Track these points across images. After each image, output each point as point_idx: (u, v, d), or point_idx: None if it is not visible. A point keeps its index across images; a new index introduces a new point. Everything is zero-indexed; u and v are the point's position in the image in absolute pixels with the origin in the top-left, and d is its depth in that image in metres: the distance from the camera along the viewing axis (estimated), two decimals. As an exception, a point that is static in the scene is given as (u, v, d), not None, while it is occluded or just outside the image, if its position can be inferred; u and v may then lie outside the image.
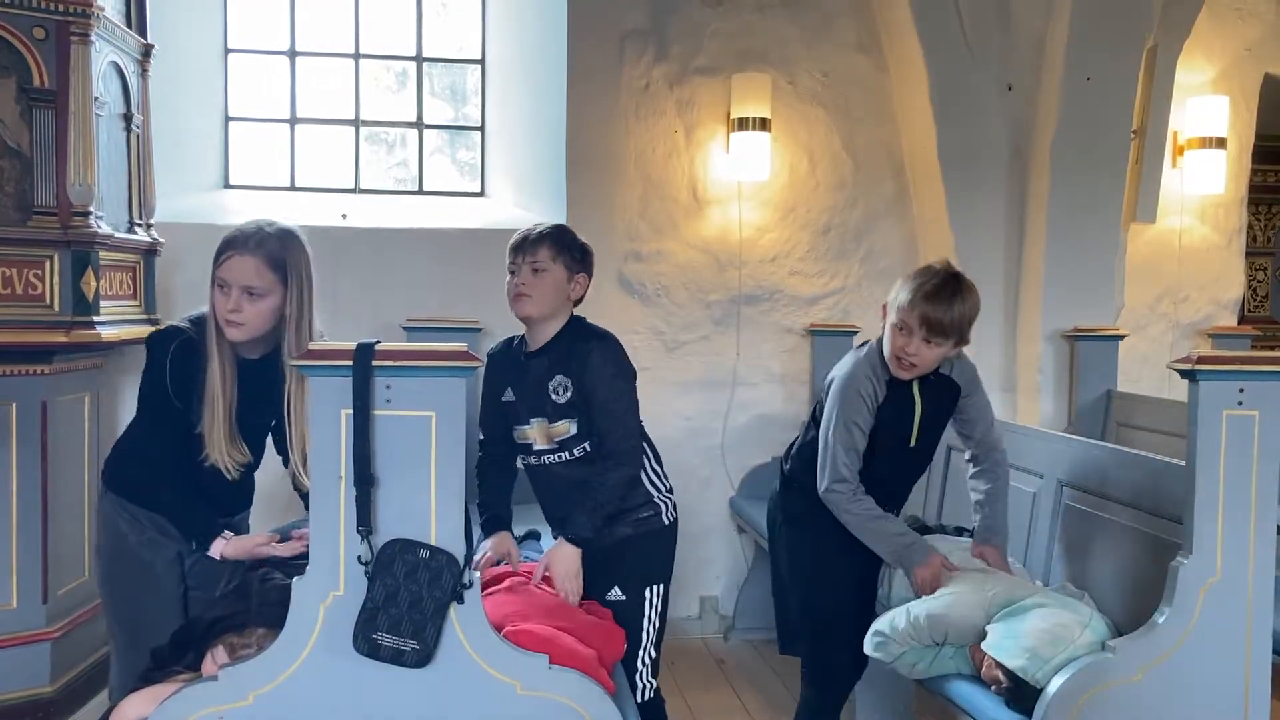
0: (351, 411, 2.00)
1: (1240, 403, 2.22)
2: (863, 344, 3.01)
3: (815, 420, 3.01)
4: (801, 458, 3.02)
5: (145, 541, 2.62)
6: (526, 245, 2.78)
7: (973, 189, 4.69)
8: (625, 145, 4.78)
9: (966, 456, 3.02)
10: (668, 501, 2.88)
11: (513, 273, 2.79)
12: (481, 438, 2.92)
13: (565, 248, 2.78)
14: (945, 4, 4.58)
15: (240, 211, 4.78)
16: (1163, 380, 5.13)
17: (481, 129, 5.27)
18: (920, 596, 2.77)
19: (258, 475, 2.84)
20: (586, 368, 2.72)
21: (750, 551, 4.79)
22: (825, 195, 4.91)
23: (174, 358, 2.52)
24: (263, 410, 2.68)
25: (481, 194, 5.24)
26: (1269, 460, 2.22)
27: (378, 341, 2.04)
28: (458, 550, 2.03)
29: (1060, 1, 4.44)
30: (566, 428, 2.77)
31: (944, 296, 2.75)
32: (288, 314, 2.55)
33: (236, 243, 2.52)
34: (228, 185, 5.01)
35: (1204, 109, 5.04)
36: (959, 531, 3.12)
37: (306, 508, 2.59)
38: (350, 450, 2.00)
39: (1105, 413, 4.60)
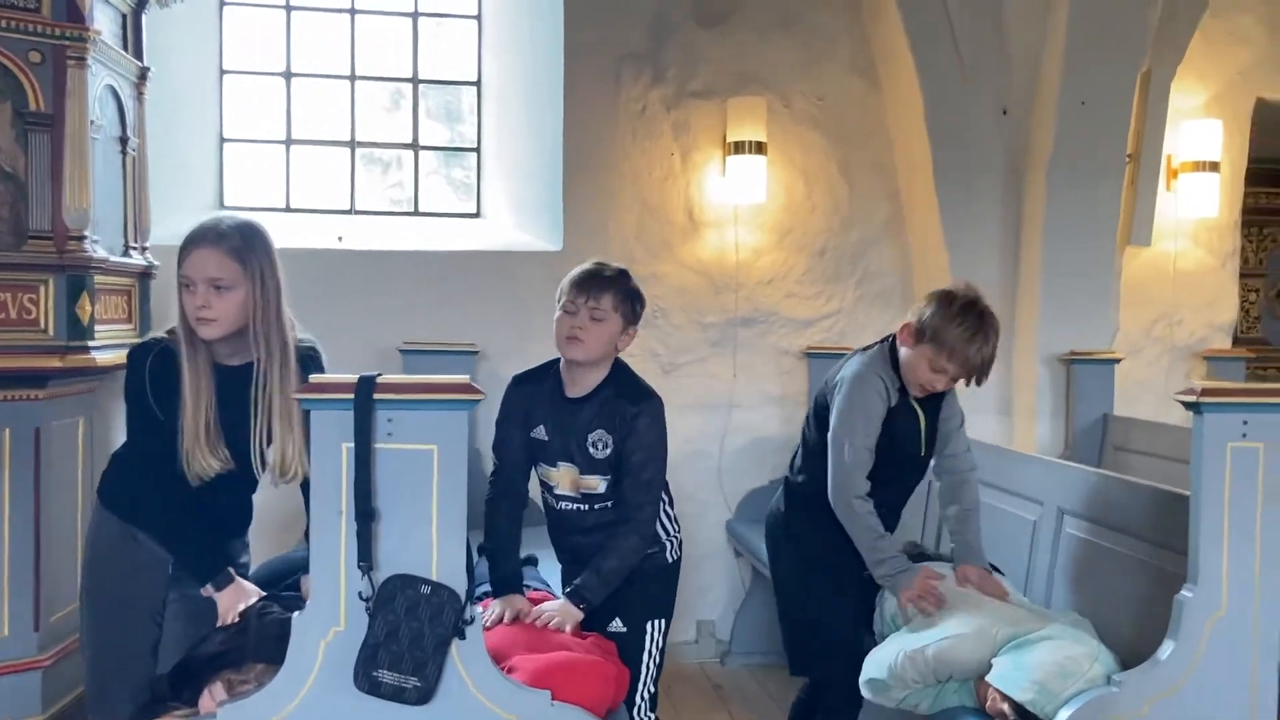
0: (352, 445, 1.99)
1: (1245, 435, 2.21)
2: (867, 347, 3.02)
3: (813, 428, 3.03)
4: (810, 471, 3.01)
5: (129, 564, 2.57)
6: (592, 287, 2.69)
7: (968, 211, 4.69)
8: (622, 168, 4.78)
9: (935, 469, 3.07)
10: (675, 540, 2.88)
11: (569, 312, 2.70)
12: (495, 467, 2.82)
13: (627, 299, 2.74)
14: (940, 27, 4.59)
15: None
16: (1159, 403, 5.13)
17: (477, 150, 5.26)
18: (907, 619, 2.78)
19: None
20: (632, 431, 2.68)
21: (748, 575, 4.77)
22: (821, 218, 4.91)
23: (153, 367, 2.49)
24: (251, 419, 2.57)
25: (477, 215, 5.23)
26: (1274, 492, 2.21)
27: (379, 374, 2.02)
28: (459, 585, 2.02)
29: (1055, 25, 4.46)
30: (596, 483, 2.73)
31: (983, 340, 2.81)
32: (253, 305, 2.49)
33: (196, 239, 2.48)
34: (222, 207, 4.98)
35: (1197, 132, 5.06)
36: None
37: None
38: (351, 484, 1.99)
39: (1102, 436, 4.59)
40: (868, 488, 2.85)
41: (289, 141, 5.11)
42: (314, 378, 2.05)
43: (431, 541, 2.01)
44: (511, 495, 2.81)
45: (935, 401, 2.97)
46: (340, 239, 4.79)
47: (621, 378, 2.78)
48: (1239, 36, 5.21)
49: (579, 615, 2.59)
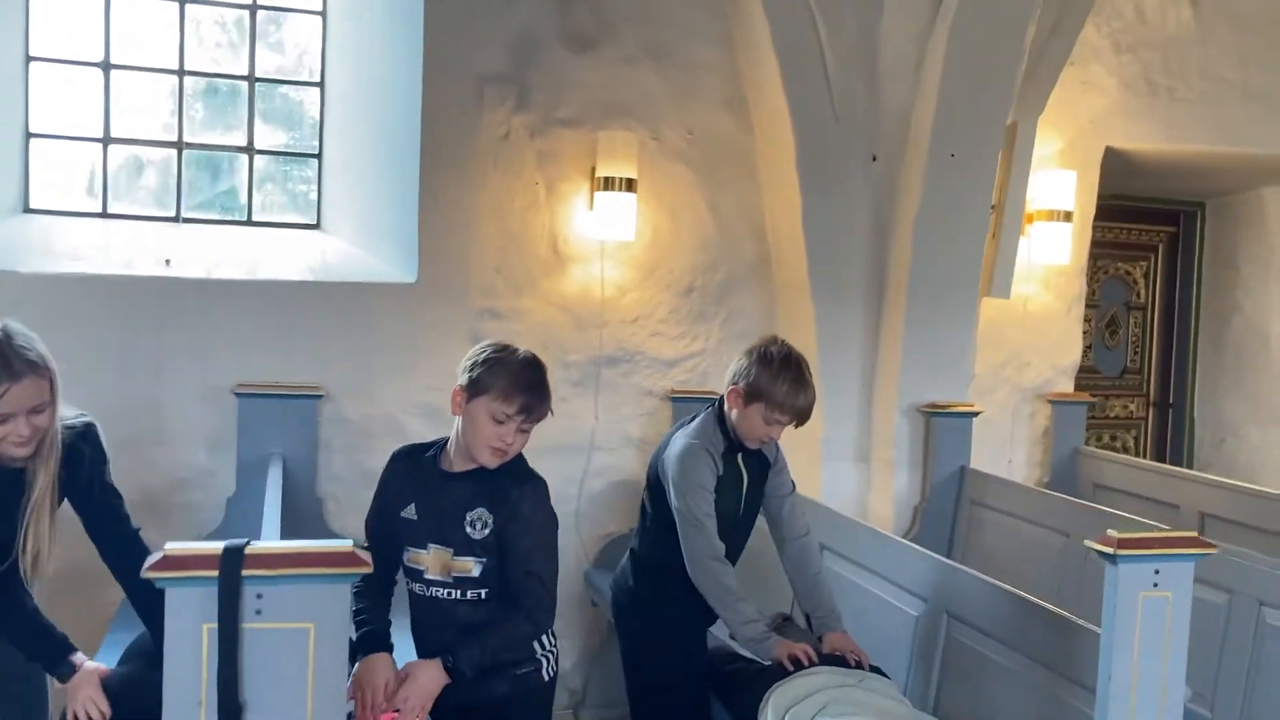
0: (216, 626, 1.71)
1: (1155, 584, 2.18)
2: (689, 419, 3.13)
3: (648, 502, 3.12)
4: (650, 544, 3.09)
5: None
6: (539, 411, 2.54)
7: (835, 257, 4.62)
8: (481, 195, 4.50)
9: (775, 539, 3.20)
10: (552, 655, 2.69)
11: (498, 421, 2.49)
12: (366, 545, 2.60)
13: None
14: (814, 69, 4.47)
15: (43, 244, 4.28)
16: (1004, 443, 5.24)
17: (319, 157, 4.89)
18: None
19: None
20: (516, 515, 2.50)
21: (604, 626, 4.62)
22: (688, 256, 4.75)
23: None
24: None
25: (317, 226, 4.87)
26: (1179, 643, 2.20)
27: (246, 542, 1.75)
28: (336, 781, 1.78)
29: (928, 78, 4.41)
30: (469, 566, 2.52)
31: (806, 386, 2.97)
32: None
33: (4, 375, 2.37)
34: (28, 209, 4.46)
35: (1052, 182, 5.14)
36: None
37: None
38: (213, 673, 1.71)
39: (958, 490, 4.63)
40: (723, 548, 2.95)
41: (106, 140, 4.61)
42: (170, 549, 1.74)
43: (306, 732, 1.76)
44: (382, 580, 2.63)
45: (760, 462, 3.11)
46: (168, 262, 4.34)
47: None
48: (1092, 86, 5.32)
49: (442, 679, 2.42)
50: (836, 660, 2.96)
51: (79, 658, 2.51)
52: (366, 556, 1.78)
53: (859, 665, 2.96)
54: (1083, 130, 5.33)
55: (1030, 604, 2.65)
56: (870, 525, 3.53)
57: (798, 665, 2.90)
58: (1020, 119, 4.76)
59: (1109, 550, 2.15)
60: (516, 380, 2.50)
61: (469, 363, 2.56)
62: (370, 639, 2.54)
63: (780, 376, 2.93)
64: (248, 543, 1.74)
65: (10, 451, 2.42)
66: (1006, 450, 5.23)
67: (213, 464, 4.14)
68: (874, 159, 4.62)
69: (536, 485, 2.57)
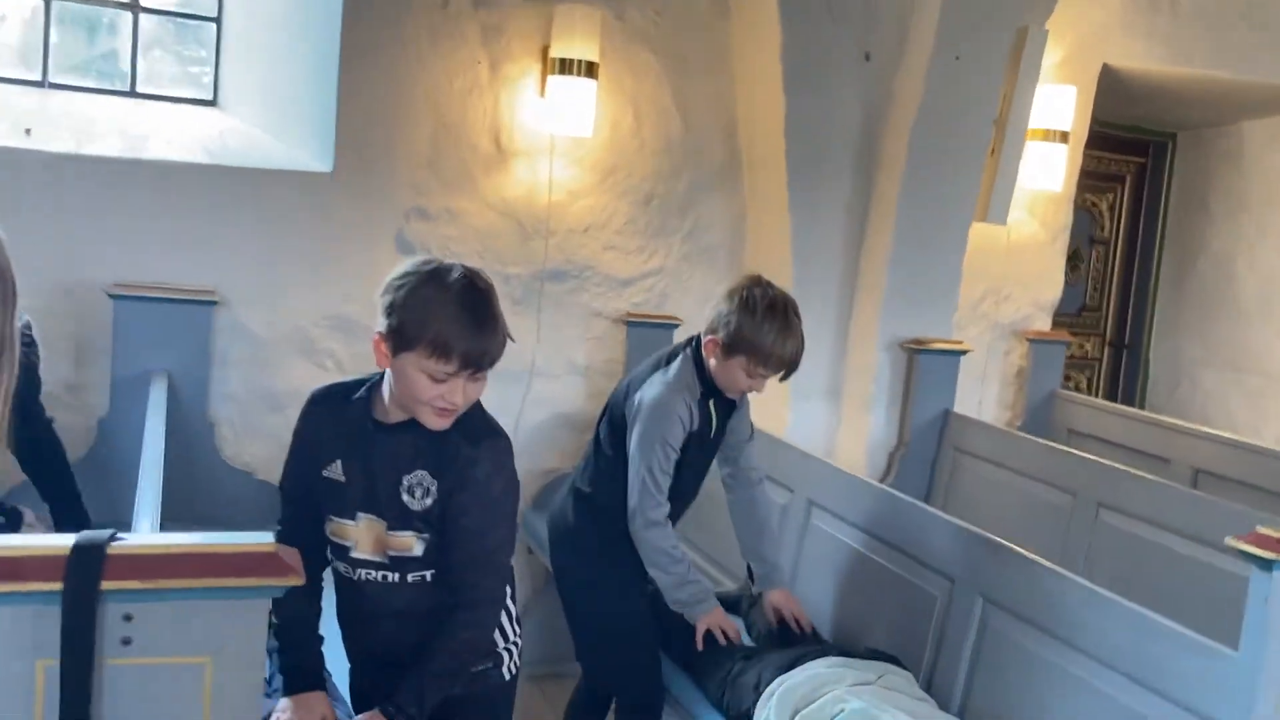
0: (57, 663, 1.11)
1: (1306, 588, 1.72)
2: (668, 358, 2.82)
3: (605, 440, 2.85)
4: (604, 484, 2.81)
5: None
6: (487, 359, 1.90)
7: (818, 167, 4.06)
8: (415, 75, 3.82)
9: (724, 481, 3.00)
10: (514, 649, 2.19)
11: (436, 380, 1.86)
12: (282, 513, 2.08)
13: None
14: (807, -54, 3.88)
15: None
16: (975, 384, 4.80)
17: (217, 21, 4.16)
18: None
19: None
20: (466, 481, 1.91)
21: (540, 576, 4.10)
22: (650, 158, 4.14)
23: None
24: None
25: (213, 103, 4.15)
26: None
27: (113, 534, 1.14)
28: None
29: (936, -35, 3.85)
30: (409, 543, 1.96)
31: (793, 335, 2.68)
32: None
33: None
34: None
35: (1051, 98, 4.63)
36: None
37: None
38: (52, 734, 1.12)
39: (940, 435, 4.18)
40: (667, 509, 2.73)
41: (-45, -18, 3.82)
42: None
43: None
44: (305, 552, 2.00)
45: (728, 404, 2.85)
46: (28, 131, 3.60)
47: None
48: (1097, -4, 4.81)
49: None
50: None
51: None
52: (295, 561, 1.20)
53: (801, 631, 2.82)
54: (1082, 43, 4.82)
55: (1106, 598, 2.14)
56: (889, 490, 3.03)
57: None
58: (1030, 24, 4.23)
59: (1264, 554, 1.67)
60: (454, 325, 1.83)
61: (386, 300, 1.87)
62: (297, 675, 1.99)
63: (765, 326, 2.63)
64: (112, 536, 1.14)
65: None
66: (978, 390, 4.80)
67: (80, 378, 3.47)
68: (867, 58, 4.05)
69: (496, 443, 1.98)
